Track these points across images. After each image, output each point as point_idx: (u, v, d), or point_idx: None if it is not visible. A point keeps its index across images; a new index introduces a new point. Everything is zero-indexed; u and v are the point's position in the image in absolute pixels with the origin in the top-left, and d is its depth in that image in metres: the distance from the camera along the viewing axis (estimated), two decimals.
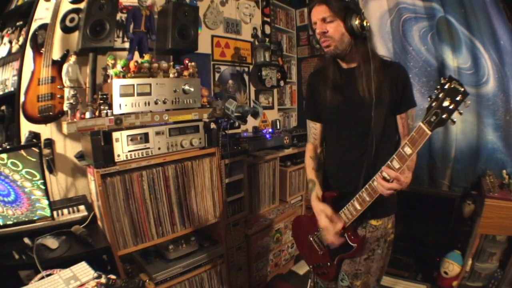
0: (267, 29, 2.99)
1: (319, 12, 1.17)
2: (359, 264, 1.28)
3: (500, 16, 2.16)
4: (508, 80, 2.16)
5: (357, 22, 1.12)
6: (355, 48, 1.18)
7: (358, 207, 1.16)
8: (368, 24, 1.13)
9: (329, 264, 1.35)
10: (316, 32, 1.21)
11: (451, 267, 2.18)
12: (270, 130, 2.78)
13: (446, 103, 0.88)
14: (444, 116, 0.89)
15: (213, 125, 1.91)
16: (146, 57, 1.70)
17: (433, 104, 0.91)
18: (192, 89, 1.76)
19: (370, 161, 1.19)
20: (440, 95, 0.89)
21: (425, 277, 2.32)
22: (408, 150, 0.97)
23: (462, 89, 0.87)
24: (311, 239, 1.40)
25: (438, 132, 2.45)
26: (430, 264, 2.36)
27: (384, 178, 1.03)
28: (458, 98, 0.87)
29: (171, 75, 1.73)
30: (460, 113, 0.89)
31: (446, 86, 0.88)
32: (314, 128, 1.42)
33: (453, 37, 2.32)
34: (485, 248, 2.09)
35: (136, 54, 1.98)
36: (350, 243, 1.23)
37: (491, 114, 2.25)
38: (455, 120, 0.90)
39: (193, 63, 1.83)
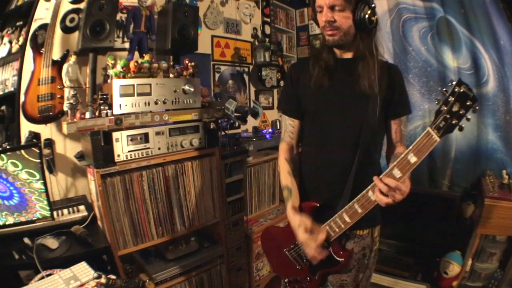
0: (267, 29, 2.99)
1: None
2: (344, 275, 1.18)
3: (500, 16, 2.16)
4: (508, 80, 2.16)
5: (367, 15, 1.01)
6: (359, 41, 1.07)
7: (348, 220, 1.02)
8: (377, 18, 1.04)
9: (308, 278, 1.19)
10: (320, 18, 1.06)
11: (451, 267, 2.17)
12: (270, 130, 2.78)
13: (455, 108, 0.81)
14: (453, 121, 0.81)
15: (213, 125, 1.90)
16: (146, 57, 1.70)
17: (442, 108, 0.82)
18: (192, 89, 1.76)
19: (361, 163, 1.07)
20: (450, 99, 0.81)
21: (425, 277, 2.31)
22: (413, 158, 0.86)
23: (472, 94, 0.81)
24: (287, 253, 1.22)
25: None
26: (430, 264, 2.35)
27: (383, 188, 0.90)
28: (468, 103, 0.80)
29: (171, 75, 1.73)
30: (468, 119, 0.83)
31: (456, 90, 0.81)
32: (291, 126, 1.23)
33: (453, 37, 2.32)
34: (485, 248, 2.09)
35: (136, 54, 1.97)
36: (336, 257, 1.10)
37: (491, 114, 2.24)
38: (463, 126, 0.82)
39: (193, 63, 1.83)
